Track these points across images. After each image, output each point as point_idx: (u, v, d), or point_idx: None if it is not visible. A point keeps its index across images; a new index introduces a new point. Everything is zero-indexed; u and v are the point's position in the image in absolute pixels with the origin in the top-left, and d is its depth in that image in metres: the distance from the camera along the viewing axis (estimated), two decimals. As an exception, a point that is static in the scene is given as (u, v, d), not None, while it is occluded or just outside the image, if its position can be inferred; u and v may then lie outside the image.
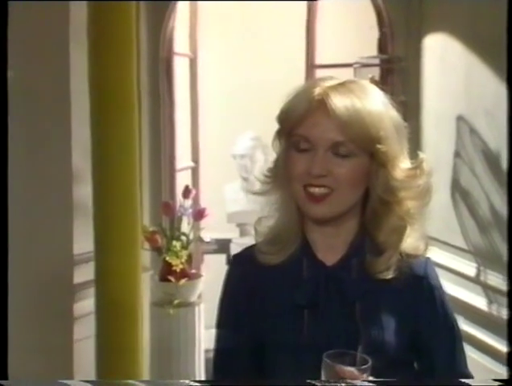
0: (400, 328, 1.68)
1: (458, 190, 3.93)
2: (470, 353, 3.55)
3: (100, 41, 3.43)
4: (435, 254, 4.04)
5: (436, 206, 4.05)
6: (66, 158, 3.68)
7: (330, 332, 1.65)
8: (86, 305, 3.77)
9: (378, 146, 1.61)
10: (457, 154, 3.91)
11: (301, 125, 1.62)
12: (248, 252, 1.78)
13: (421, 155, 1.70)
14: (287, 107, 1.66)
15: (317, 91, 1.61)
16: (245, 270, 1.76)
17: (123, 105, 3.47)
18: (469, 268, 3.80)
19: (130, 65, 3.49)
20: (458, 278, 3.90)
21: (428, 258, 1.75)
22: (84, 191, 3.68)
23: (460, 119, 3.88)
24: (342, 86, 1.63)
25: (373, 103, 1.62)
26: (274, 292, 1.70)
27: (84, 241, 3.68)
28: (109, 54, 3.42)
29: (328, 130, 1.60)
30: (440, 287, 1.75)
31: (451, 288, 3.82)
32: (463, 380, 1.61)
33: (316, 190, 1.62)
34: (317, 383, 1.52)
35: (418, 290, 1.70)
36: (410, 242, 1.71)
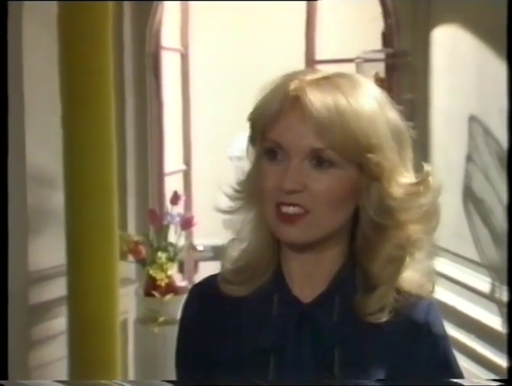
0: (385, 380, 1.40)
1: (470, 196, 3.79)
2: (485, 376, 3.45)
3: (71, 42, 3.31)
4: (446, 266, 3.95)
5: (446, 214, 3.95)
6: (19, 159, 3.46)
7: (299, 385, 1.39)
8: (58, 323, 3.61)
9: (369, 156, 1.31)
10: (469, 158, 3.77)
11: (273, 127, 1.34)
12: (210, 281, 1.50)
13: (426, 167, 1.40)
14: (259, 104, 1.37)
15: (293, 85, 1.32)
16: (204, 303, 1.48)
17: (97, 106, 3.32)
18: (483, 283, 3.67)
19: (105, 64, 3.35)
20: (471, 294, 3.77)
21: (432, 301, 1.44)
22: (56, 199, 3.51)
23: (472, 119, 3.74)
24: (326, 80, 1.34)
25: (364, 102, 1.32)
26: (236, 331, 1.44)
27: (56, 254, 3.49)
28: (82, 54, 3.30)
29: (303, 135, 1.32)
30: (444, 337, 1.44)
31: (462, 304, 3.80)
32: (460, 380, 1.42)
33: (290, 209, 1.32)
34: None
35: (416, 339, 1.41)
36: (412, 277, 1.40)
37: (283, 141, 1.32)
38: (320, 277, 1.41)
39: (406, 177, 1.36)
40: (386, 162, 1.32)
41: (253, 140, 1.41)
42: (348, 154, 1.31)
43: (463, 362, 3.70)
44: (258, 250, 1.43)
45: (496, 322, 3.49)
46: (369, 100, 1.33)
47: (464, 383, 1.41)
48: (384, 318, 1.36)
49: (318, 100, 1.29)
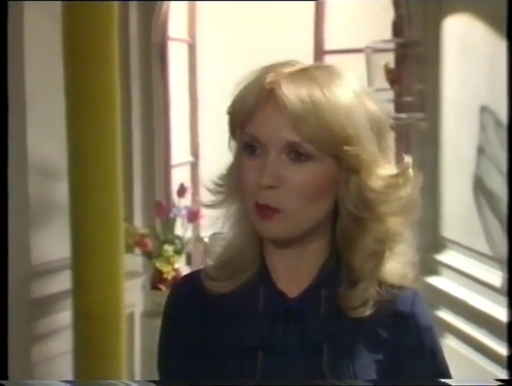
0: (378, 380, 1.38)
1: (481, 189, 3.75)
2: (497, 373, 3.40)
3: (75, 32, 3.27)
4: (456, 259, 3.90)
5: (457, 207, 3.95)
6: (20, 150, 3.43)
7: (288, 382, 1.37)
8: (62, 317, 3.57)
9: (346, 148, 1.31)
10: (481, 150, 3.73)
11: (251, 121, 1.34)
12: (194, 276, 1.48)
13: (406, 159, 1.39)
14: (236, 98, 1.37)
15: (269, 78, 1.33)
16: (187, 299, 1.46)
17: (102, 97, 3.28)
18: (494, 276, 3.63)
19: (111, 54, 3.31)
20: (481, 287, 3.73)
21: (416, 292, 1.44)
22: (60, 191, 3.47)
23: (483, 110, 3.71)
24: (302, 72, 1.34)
25: (341, 93, 1.32)
26: (221, 328, 1.42)
27: (60, 247, 3.47)
28: (87, 45, 3.26)
29: (279, 128, 1.31)
30: (431, 329, 1.44)
31: (473, 298, 3.77)
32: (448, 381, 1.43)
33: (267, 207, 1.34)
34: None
35: (402, 332, 1.41)
36: (394, 269, 1.40)
37: (260, 135, 1.32)
38: (305, 271, 1.40)
39: (387, 169, 1.35)
40: (365, 154, 1.32)
41: (233, 134, 1.40)
42: (325, 147, 1.30)
43: (473, 356, 3.69)
44: (241, 245, 1.42)
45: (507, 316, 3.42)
46: (345, 92, 1.32)
47: (452, 384, 1.40)
48: (367, 312, 1.36)
49: (292, 92, 1.29)
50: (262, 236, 1.38)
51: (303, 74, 1.32)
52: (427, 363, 1.42)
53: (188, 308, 1.44)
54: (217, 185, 1.42)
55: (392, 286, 1.39)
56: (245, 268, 1.41)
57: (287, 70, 1.33)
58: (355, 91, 1.33)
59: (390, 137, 1.38)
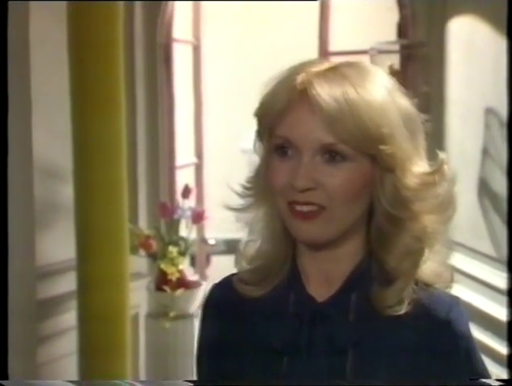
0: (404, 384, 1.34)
1: (486, 190, 3.75)
2: (503, 376, 3.38)
3: (81, 34, 3.29)
4: (461, 261, 3.88)
5: (461, 207, 3.92)
6: (26, 151, 3.42)
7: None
8: (67, 318, 3.59)
9: (381, 147, 1.27)
10: (485, 151, 3.73)
11: (282, 123, 1.30)
12: (228, 281, 1.47)
13: (441, 156, 1.35)
14: (266, 99, 1.33)
15: (300, 78, 1.28)
16: (219, 302, 1.47)
17: (107, 98, 3.29)
18: (499, 279, 3.59)
19: (115, 56, 3.33)
20: (487, 290, 3.73)
21: (456, 297, 1.39)
22: (65, 192, 3.48)
23: (488, 111, 3.70)
24: (333, 71, 1.30)
25: (374, 91, 1.28)
26: (250, 332, 1.41)
27: (65, 248, 3.48)
28: (92, 46, 3.27)
29: (313, 129, 1.27)
30: (468, 336, 1.36)
31: (478, 300, 3.74)
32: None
33: (304, 207, 1.30)
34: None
35: (436, 338, 1.34)
36: (429, 267, 1.36)
37: (292, 137, 1.28)
38: (337, 274, 1.36)
39: (421, 166, 1.32)
40: (400, 152, 1.29)
41: (260, 135, 1.37)
42: (361, 147, 1.27)
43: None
44: (271, 249, 1.39)
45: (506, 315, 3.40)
46: (378, 89, 1.29)
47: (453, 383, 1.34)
48: (403, 310, 1.31)
49: (326, 92, 1.25)
50: (299, 239, 1.35)
51: (335, 72, 1.28)
52: (461, 372, 1.35)
53: (220, 311, 1.44)
54: (246, 188, 1.39)
55: (427, 285, 1.35)
56: (275, 271, 1.39)
57: (317, 69, 1.29)
58: (387, 88, 1.30)
59: (422, 133, 1.35)
